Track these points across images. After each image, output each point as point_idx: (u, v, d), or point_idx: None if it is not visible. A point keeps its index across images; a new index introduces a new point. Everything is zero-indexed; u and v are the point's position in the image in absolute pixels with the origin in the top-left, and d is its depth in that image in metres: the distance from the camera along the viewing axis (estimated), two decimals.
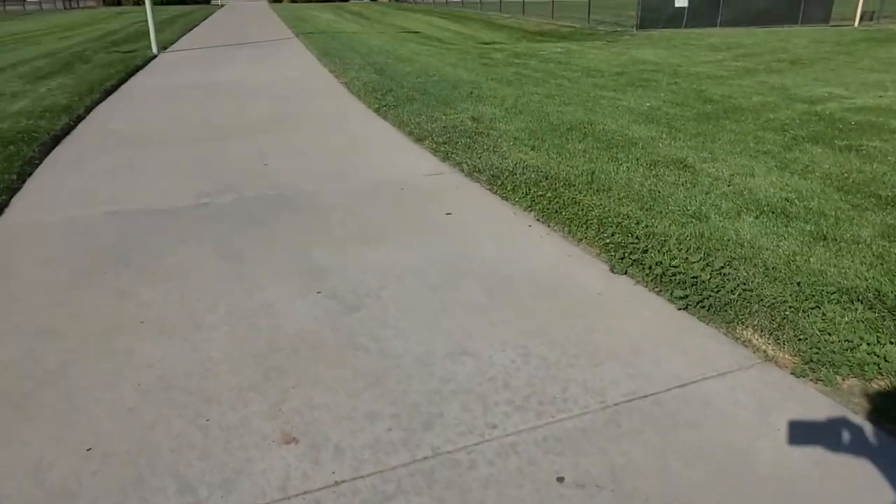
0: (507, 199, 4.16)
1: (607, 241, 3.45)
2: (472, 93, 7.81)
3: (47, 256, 3.47)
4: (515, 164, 4.74)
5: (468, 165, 4.78)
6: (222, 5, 43.37)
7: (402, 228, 3.77)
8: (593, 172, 4.57)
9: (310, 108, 7.33)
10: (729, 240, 3.43)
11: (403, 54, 12.45)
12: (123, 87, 9.27)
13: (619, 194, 4.13)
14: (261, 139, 5.89)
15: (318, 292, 3.01)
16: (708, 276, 3.04)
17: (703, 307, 2.81)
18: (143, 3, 37.57)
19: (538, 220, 3.84)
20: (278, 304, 2.91)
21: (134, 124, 6.69)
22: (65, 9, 39.06)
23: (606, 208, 3.89)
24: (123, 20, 25.48)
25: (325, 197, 4.32)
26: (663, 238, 3.45)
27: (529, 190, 4.20)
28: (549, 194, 4.11)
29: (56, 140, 5.91)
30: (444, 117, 6.39)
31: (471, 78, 9.17)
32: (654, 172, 4.60)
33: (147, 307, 2.89)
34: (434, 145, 5.38)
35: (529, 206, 3.99)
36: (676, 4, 17.26)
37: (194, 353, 2.54)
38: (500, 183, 4.37)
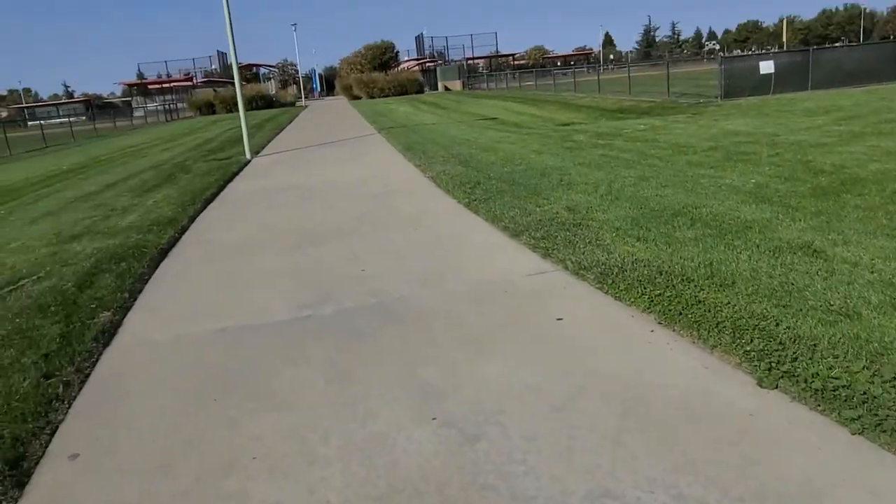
0: (620, 300, 3.88)
1: (747, 347, 3.08)
2: (561, 180, 7.67)
3: (159, 378, 3.45)
4: (624, 259, 4.47)
5: (572, 262, 4.54)
6: (306, 106, 46.29)
7: (511, 338, 3.55)
8: (711, 264, 4.23)
9: (400, 206, 7.38)
10: (893, 341, 2.99)
11: (485, 143, 12.61)
12: (222, 193, 9.74)
13: (746, 289, 3.77)
14: (355, 241, 5.91)
15: (434, 419, 2.79)
16: (880, 391, 2.62)
17: (884, 431, 2.39)
18: (234, 111, 40.39)
19: (660, 323, 3.52)
20: (393, 434, 2.70)
21: (233, 233, 6.91)
22: (166, 121, 42.80)
23: (736, 307, 3.53)
24: (218, 128, 27.49)
25: (426, 303, 4.18)
26: (812, 342, 3.06)
27: (645, 289, 3.90)
28: (667, 293, 3.80)
29: (163, 253, 6.14)
30: (537, 209, 6.24)
31: (557, 164, 9.07)
32: (780, 261, 4.20)
33: (258, 440, 2.75)
34: (532, 241, 5.20)
35: (648, 308, 3.68)
36: (762, 71, 16.90)
37: (310, 495, 2.36)
38: (610, 282, 4.10)
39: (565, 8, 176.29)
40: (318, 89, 79.17)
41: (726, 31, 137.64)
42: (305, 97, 59.39)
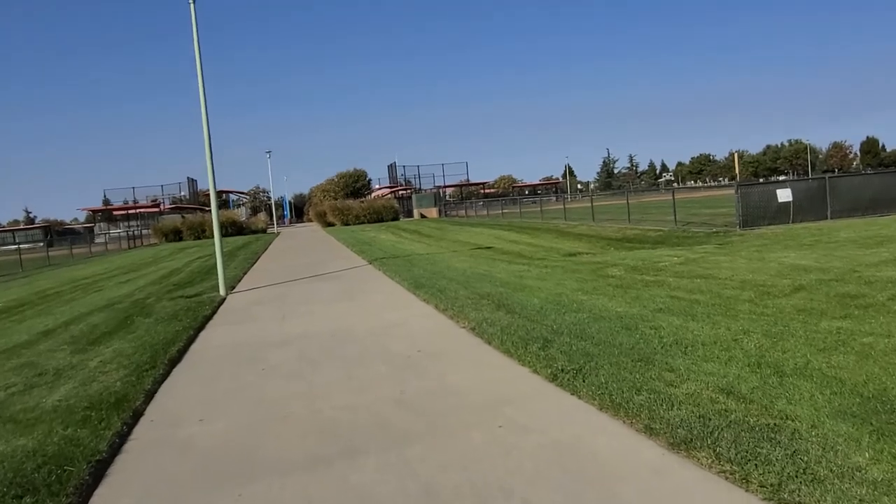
0: None
1: None
2: (661, 337, 5.72)
3: None
4: None
5: None
6: (278, 233, 44.74)
7: None
8: None
9: (453, 379, 5.27)
10: None
11: (506, 279, 10.77)
12: (192, 348, 7.51)
13: None
14: (414, 454, 3.74)
15: None
16: None
17: None
18: (203, 238, 38.49)
19: None
20: None
21: (212, 425, 4.66)
22: (129, 248, 40.47)
23: None
24: (186, 256, 25.39)
25: None
26: None
27: None
28: None
29: (97, 475, 3.85)
30: (674, 392, 4.22)
31: (627, 310, 7.18)
32: None
33: None
34: (722, 464, 3.13)
35: None
36: (780, 199, 15.84)
37: None
38: None
39: (531, 139, 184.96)
40: (289, 216, 78.52)
41: (679, 164, 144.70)
42: (277, 224, 58.18)
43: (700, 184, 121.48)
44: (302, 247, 26.63)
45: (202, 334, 8.37)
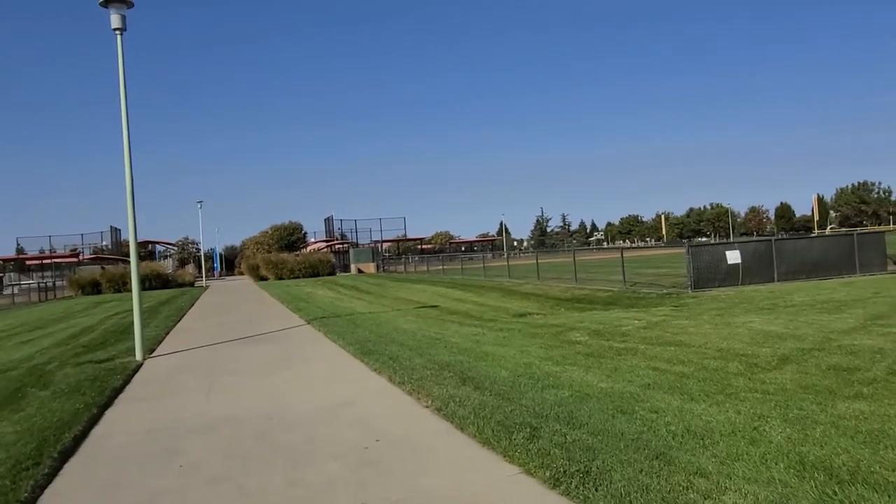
0: None
1: None
2: (668, 427, 4.87)
3: None
4: None
5: None
6: (207, 286, 42.40)
7: None
8: None
9: (426, 488, 4.21)
10: None
11: (463, 344, 9.83)
12: (93, 433, 6.15)
13: None
14: None
15: None
16: None
17: None
18: (123, 291, 35.89)
19: None
20: None
21: None
22: (39, 300, 37.20)
23: None
24: (102, 312, 23.26)
25: None
26: None
27: None
28: None
29: None
30: None
31: (614, 387, 6.34)
32: None
33: None
34: None
35: None
36: (729, 261, 15.70)
37: None
38: None
39: (466, 197, 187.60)
40: (219, 269, 75.40)
41: (608, 224, 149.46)
42: (206, 277, 55.45)
43: (629, 243, 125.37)
44: (233, 302, 24.91)
45: (108, 413, 6.98)
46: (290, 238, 64.71)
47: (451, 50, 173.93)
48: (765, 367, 6.88)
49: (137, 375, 9.20)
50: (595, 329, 10.83)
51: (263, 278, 44.15)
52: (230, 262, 79.66)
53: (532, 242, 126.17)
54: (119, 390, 8.17)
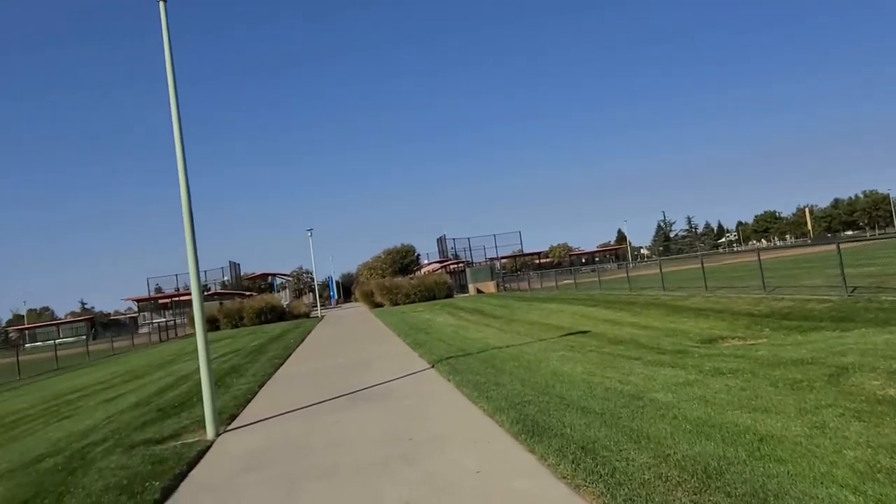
0: None
1: None
2: None
3: None
4: None
5: None
6: (322, 316, 40.78)
7: None
8: None
9: None
10: None
11: (686, 408, 6.04)
12: None
13: None
14: None
15: None
16: None
17: None
18: (241, 325, 34.48)
19: None
20: None
21: None
22: (160, 340, 36.91)
23: None
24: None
25: None
26: None
27: None
28: None
29: None
30: None
31: None
32: None
33: None
34: None
35: None
36: None
37: None
38: None
39: (582, 207, 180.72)
40: (336, 297, 75.10)
41: (740, 223, 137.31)
42: (322, 305, 54.50)
43: (765, 243, 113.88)
44: (344, 337, 22.24)
45: None
46: (403, 261, 62.76)
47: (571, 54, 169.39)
48: None
49: (189, 479, 6.15)
50: (880, 366, 6.66)
51: (378, 305, 41.93)
52: (347, 289, 79.31)
53: (654, 250, 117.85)
54: None
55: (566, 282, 34.56)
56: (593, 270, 49.32)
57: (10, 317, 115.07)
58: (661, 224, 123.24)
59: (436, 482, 5.02)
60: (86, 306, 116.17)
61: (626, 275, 26.76)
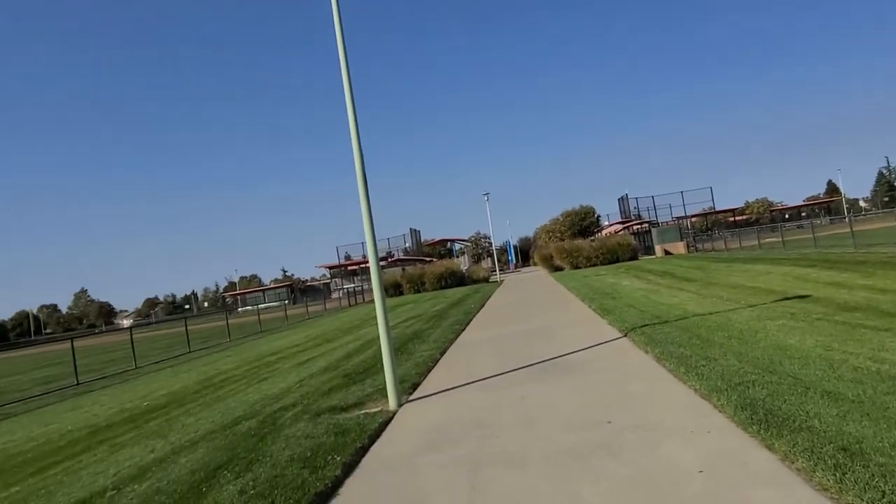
0: None
1: None
2: None
3: None
4: None
5: None
6: (501, 281, 40.71)
7: None
8: None
9: None
10: None
11: None
12: None
13: None
14: None
15: None
16: None
17: None
18: (423, 290, 35.37)
19: None
20: None
21: None
22: (349, 305, 39.26)
23: None
24: (392, 318, 21.89)
25: None
26: None
27: None
28: None
29: None
30: None
31: None
32: None
33: None
34: None
35: None
36: None
37: None
38: None
39: (781, 156, 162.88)
40: (514, 261, 75.09)
41: None
42: (500, 270, 54.65)
43: None
44: (525, 301, 21.64)
45: None
46: (583, 223, 60.72)
47: None
48: None
49: (370, 454, 5.80)
50: None
51: (558, 268, 40.85)
52: (525, 253, 78.94)
53: (877, 201, 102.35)
54: (351, 468, 4.89)
55: (769, 240, 30.82)
56: (800, 226, 43.73)
57: (226, 284, 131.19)
58: (884, 171, 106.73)
59: (646, 484, 4.11)
60: (287, 273, 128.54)
61: (848, 230, 22.96)
